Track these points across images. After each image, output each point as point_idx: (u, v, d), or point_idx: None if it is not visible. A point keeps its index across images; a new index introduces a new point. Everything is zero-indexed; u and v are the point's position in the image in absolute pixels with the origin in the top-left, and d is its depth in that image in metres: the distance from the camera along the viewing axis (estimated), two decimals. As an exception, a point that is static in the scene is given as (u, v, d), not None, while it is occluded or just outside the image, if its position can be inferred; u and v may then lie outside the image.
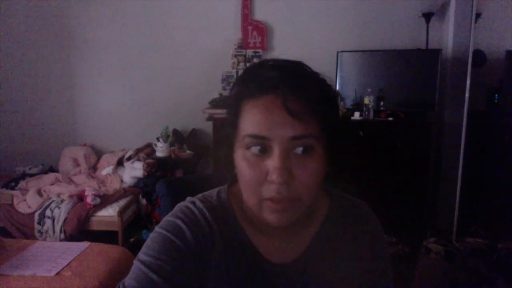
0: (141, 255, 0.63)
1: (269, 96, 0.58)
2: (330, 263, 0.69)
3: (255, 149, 0.59)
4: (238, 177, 0.63)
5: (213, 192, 0.72)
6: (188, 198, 0.71)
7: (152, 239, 0.64)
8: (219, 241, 0.66)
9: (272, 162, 0.57)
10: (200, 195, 0.72)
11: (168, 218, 0.67)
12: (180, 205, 0.70)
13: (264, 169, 0.58)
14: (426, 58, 2.92)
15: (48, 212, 2.68)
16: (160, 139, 3.07)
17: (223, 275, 0.65)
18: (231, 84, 2.94)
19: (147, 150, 3.21)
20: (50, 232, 2.65)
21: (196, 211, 0.67)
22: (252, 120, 0.59)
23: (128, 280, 0.61)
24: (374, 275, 0.71)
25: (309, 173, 0.59)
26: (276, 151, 0.57)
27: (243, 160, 0.60)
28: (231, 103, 0.63)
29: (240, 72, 3.27)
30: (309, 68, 0.63)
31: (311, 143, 0.59)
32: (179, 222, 0.65)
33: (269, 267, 0.67)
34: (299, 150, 0.58)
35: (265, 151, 0.58)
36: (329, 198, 0.74)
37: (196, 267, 0.63)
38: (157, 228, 0.66)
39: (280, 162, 0.57)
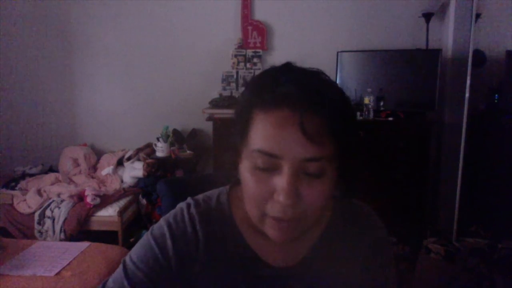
0: (128, 255, 0.65)
1: (284, 110, 0.54)
2: (332, 267, 0.68)
3: (263, 166, 0.56)
4: (243, 186, 0.61)
5: (214, 193, 0.71)
6: (188, 199, 0.70)
7: (141, 242, 0.66)
8: (203, 249, 0.65)
9: (281, 182, 0.55)
10: (201, 197, 0.71)
11: (161, 221, 0.68)
12: (178, 207, 0.69)
13: (271, 186, 0.56)
14: (426, 58, 2.92)
15: (48, 212, 2.68)
16: (160, 139, 3.07)
17: (216, 281, 0.65)
18: (231, 84, 2.92)
19: (147, 150, 3.21)
20: (50, 232, 2.65)
21: (186, 218, 0.66)
22: (263, 134, 0.55)
23: (111, 278, 0.64)
24: (377, 280, 0.70)
25: (317, 195, 0.56)
26: (285, 170, 0.54)
27: (249, 174, 0.57)
28: (241, 109, 0.60)
29: (241, 72, 3.27)
30: (328, 78, 0.60)
31: (323, 165, 0.55)
32: (166, 229, 0.65)
33: (268, 270, 0.66)
34: (310, 171, 0.55)
35: (273, 168, 0.56)
36: (332, 201, 0.72)
37: (174, 279, 0.64)
38: (150, 230, 0.67)
39: (289, 184, 0.54)
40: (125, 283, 0.61)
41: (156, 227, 0.67)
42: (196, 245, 0.65)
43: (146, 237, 0.66)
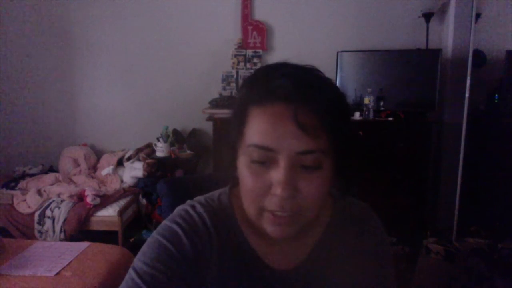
0: (136, 261, 0.61)
1: (278, 105, 0.54)
2: (333, 268, 0.67)
3: (259, 159, 0.56)
4: (240, 183, 0.60)
5: (215, 194, 0.70)
6: (188, 202, 0.69)
7: (148, 245, 0.62)
8: (217, 247, 0.64)
9: (277, 175, 0.55)
10: (202, 198, 0.70)
11: (165, 222, 0.65)
12: (179, 208, 0.67)
13: (267, 181, 0.56)
14: (426, 58, 2.92)
15: (48, 212, 2.68)
16: (160, 139, 3.07)
17: (221, 282, 0.64)
18: (231, 84, 2.93)
19: (147, 150, 3.21)
20: (50, 232, 2.65)
21: (195, 215, 0.65)
22: (258, 129, 0.56)
23: None
24: (376, 281, 0.69)
25: (314, 188, 0.56)
26: (282, 164, 0.55)
27: (246, 168, 0.58)
28: (237, 106, 0.60)
29: (241, 72, 3.27)
30: (323, 75, 0.60)
31: (319, 158, 0.55)
32: (176, 227, 0.63)
33: (270, 273, 0.65)
34: (306, 164, 0.55)
35: (270, 162, 0.56)
36: (332, 201, 0.72)
37: (192, 275, 0.61)
38: (154, 233, 0.64)
39: (286, 176, 0.54)
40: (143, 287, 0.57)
41: (162, 230, 0.64)
42: (210, 242, 0.64)
43: (155, 240, 0.62)
